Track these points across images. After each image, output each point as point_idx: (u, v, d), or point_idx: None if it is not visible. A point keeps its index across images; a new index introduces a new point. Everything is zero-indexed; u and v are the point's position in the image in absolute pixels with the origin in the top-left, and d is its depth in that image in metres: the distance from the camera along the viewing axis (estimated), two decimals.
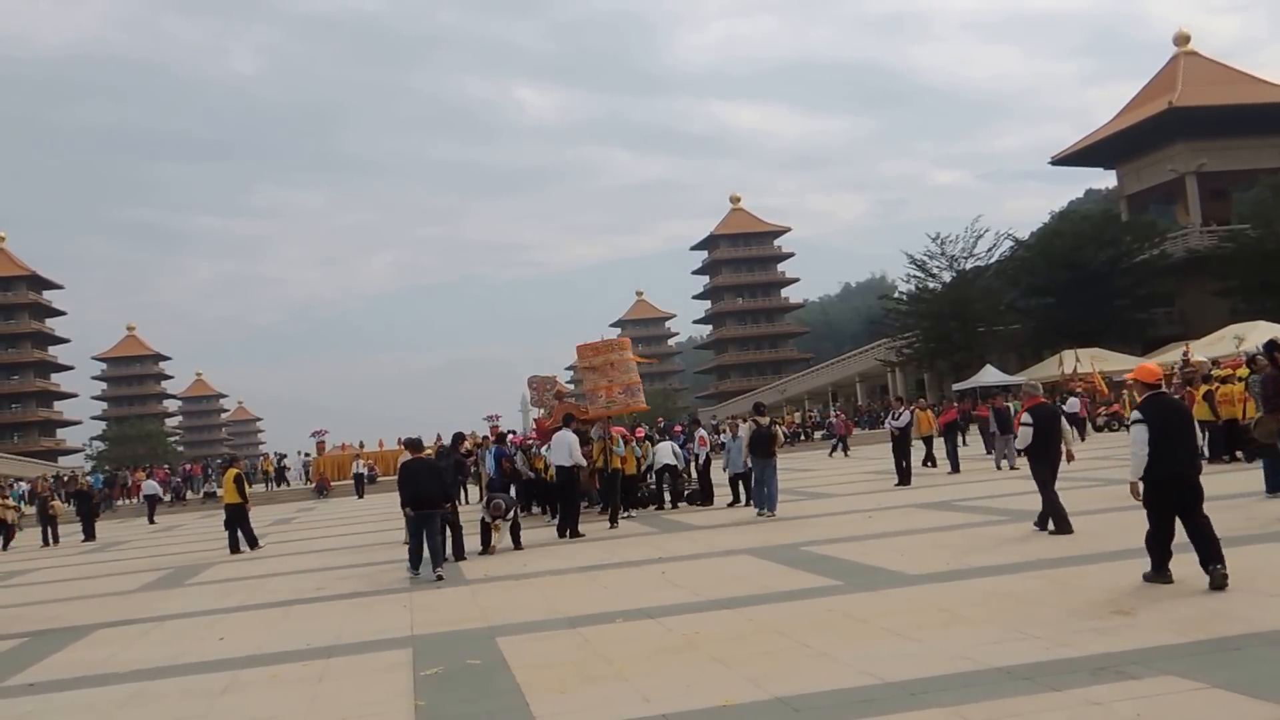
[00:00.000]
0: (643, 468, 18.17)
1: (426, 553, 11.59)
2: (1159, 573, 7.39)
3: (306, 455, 47.22)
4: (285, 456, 47.53)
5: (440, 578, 11.17)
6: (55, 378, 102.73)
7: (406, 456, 12.66)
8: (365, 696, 6.32)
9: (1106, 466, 17.10)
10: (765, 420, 15.30)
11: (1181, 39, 55.64)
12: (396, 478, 12.57)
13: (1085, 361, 35.55)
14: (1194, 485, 7.20)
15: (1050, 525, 10.38)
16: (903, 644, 6.24)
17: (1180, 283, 48.33)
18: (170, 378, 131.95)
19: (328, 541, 18.61)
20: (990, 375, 40.43)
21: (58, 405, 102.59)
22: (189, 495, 42.83)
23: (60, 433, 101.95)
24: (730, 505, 17.11)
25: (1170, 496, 7.20)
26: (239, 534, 17.47)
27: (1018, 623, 6.51)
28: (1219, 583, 6.86)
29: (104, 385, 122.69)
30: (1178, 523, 7.24)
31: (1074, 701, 4.79)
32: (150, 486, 35.34)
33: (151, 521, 32.17)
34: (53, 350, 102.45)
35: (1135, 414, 7.39)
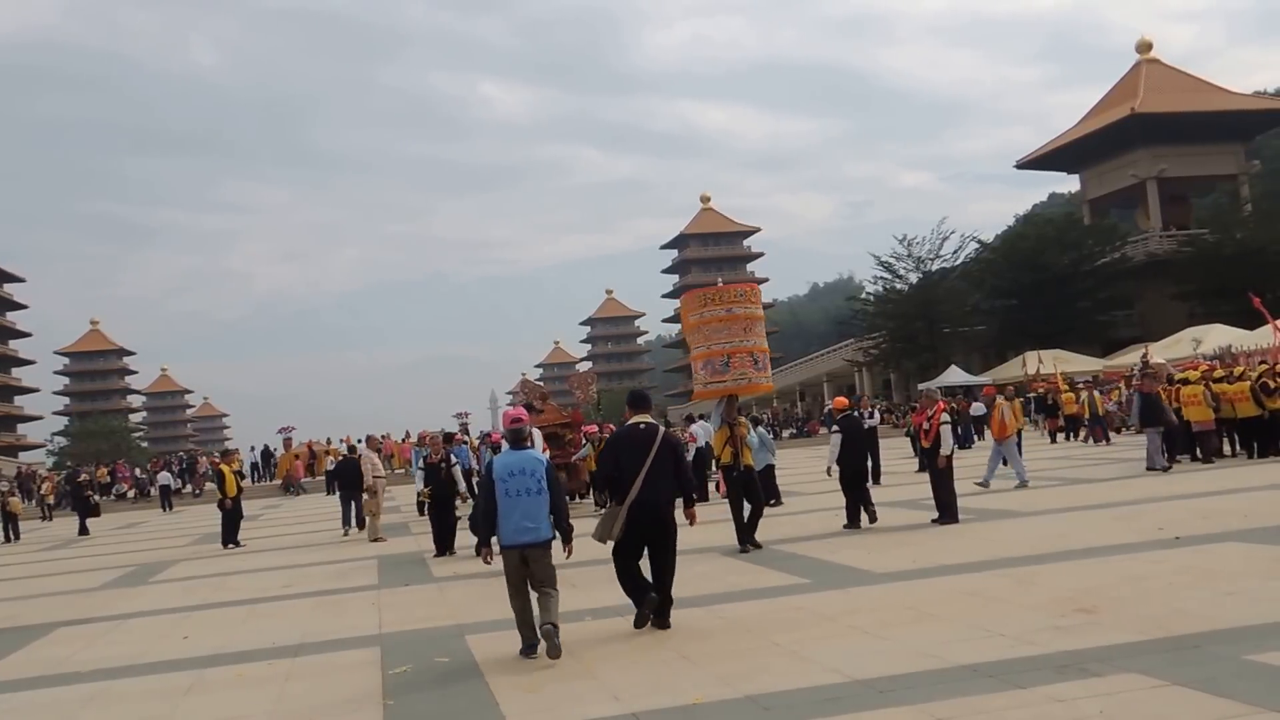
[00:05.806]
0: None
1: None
2: (853, 522, 11.69)
3: (264, 446, 47.17)
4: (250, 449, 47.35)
5: (346, 534, 17.17)
6: (16, 372, 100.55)
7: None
8: (333, 696, 6.27)
9: (1068, 467, 17.35)
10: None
11: (1143, 46, 56.37)
12: (331, 469, 18.94)
13: (1048, 362, 36.02)
14: (864, 470, 12.28)
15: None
16: (871, 642, 6.31)
17: (1140, 286, 49.19)
18: (134, 373, 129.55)
19: (295, 539, 18.45)
20: (955, 376, 40.93)
21: (18, 400, 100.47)
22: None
23: (21, 428, 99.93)
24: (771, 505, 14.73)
25: (847, 476, 11.88)
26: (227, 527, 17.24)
27: (983, 620, 6.60)
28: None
29: (66, 380, 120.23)
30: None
31: (1039, 699, 4.87)
32: (164, 477, 37.19)
33: (166, 510, 33.79)
34: (13, 344, 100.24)
35: (835, 426, 12.42)
